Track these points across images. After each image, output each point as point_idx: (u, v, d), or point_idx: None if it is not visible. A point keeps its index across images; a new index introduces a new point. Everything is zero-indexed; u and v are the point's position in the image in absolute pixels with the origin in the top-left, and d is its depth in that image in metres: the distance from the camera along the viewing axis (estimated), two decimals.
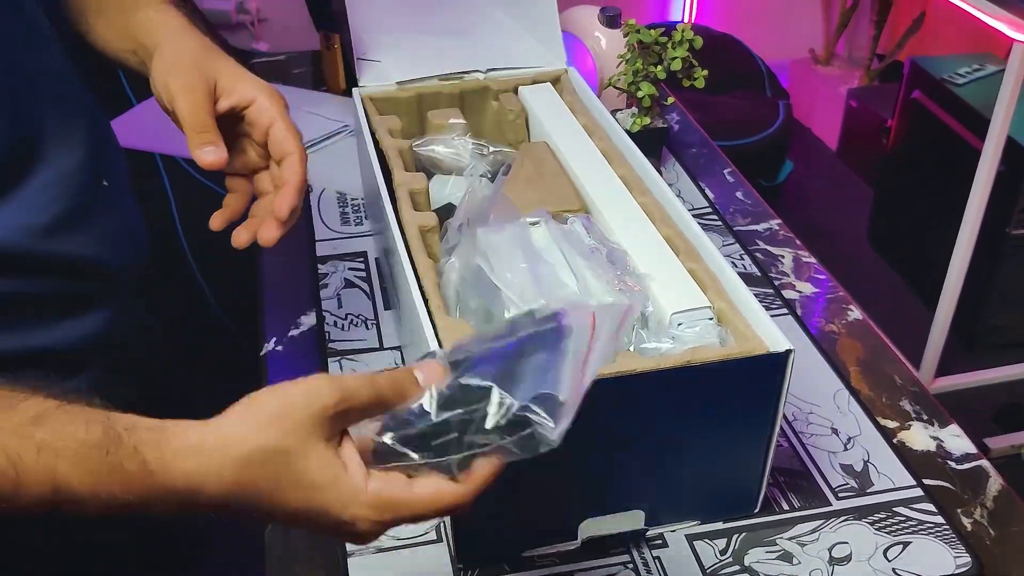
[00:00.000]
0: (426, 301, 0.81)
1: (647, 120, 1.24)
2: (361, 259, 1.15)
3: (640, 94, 1.21)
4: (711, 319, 0.80)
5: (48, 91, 0.75)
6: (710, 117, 2.68)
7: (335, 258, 1.16)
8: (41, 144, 0.74)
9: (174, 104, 0.77)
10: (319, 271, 1.13)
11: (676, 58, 1.21)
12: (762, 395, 0.77)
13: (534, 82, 1.16)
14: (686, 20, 3.24)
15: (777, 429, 0.79)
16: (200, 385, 1.24)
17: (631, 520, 0.82)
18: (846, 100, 2.99)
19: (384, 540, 0.81)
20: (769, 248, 1.19)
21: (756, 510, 0.85)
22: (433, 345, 0.76)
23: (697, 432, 0.79)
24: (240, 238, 0.82)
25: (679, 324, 0.80)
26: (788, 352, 0.75)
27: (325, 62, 1.52)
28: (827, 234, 2.76)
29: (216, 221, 0.82)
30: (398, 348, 1.02)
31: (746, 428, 0.79)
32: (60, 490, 0.55)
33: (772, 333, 0.77)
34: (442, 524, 0.82)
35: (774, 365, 0.76)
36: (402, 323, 0.99)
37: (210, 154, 0.75)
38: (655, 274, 0.84)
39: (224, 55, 0.82)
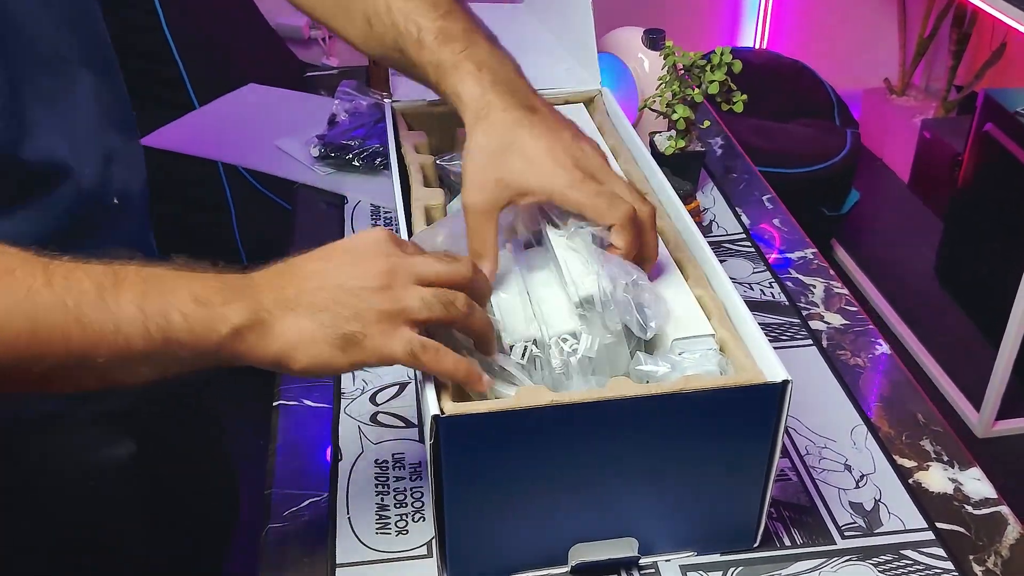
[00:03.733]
0: None
1: (682, 143, 1.22)
2: None
3: (675, 116, 1.20)
4: (712, 348, 0.79)
5: (58, 115, 0.78)
6: (775, 144, 2.64)
7: None
8: (46, 167, 0.76)
9: None
10: None
11: (714, 81, 1.19)
12: (758, 426, 0.76)
13: (567, 102, 1.16)
14: (758, 46, 3.20)
15: (776, 461, 0.77)
16: (230, 390, 1.26)
17: (624, 547, 0.80)
18: (920, 131, 2.92)
19: (374, 553, 0.82)
20: (801, 277, 1.16)
21: (755, 544, 0.83)
22: None
23: (691, 460, 0.77)
24: None
25: (680, 352, 0.79)
26: (785, 383, 0.73)
27: (373, 76, 1.54)
28: (892, 267, 2.70)
29: None
30: None
31: (742, 459, 0.77)
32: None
33: (772, 364, 0.75)
34: (434, 540, 0.82)
35: (770, 395, 0.74)
36: None
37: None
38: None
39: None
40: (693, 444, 0.76)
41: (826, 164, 2.64)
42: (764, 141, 2.59)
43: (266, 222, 2.14)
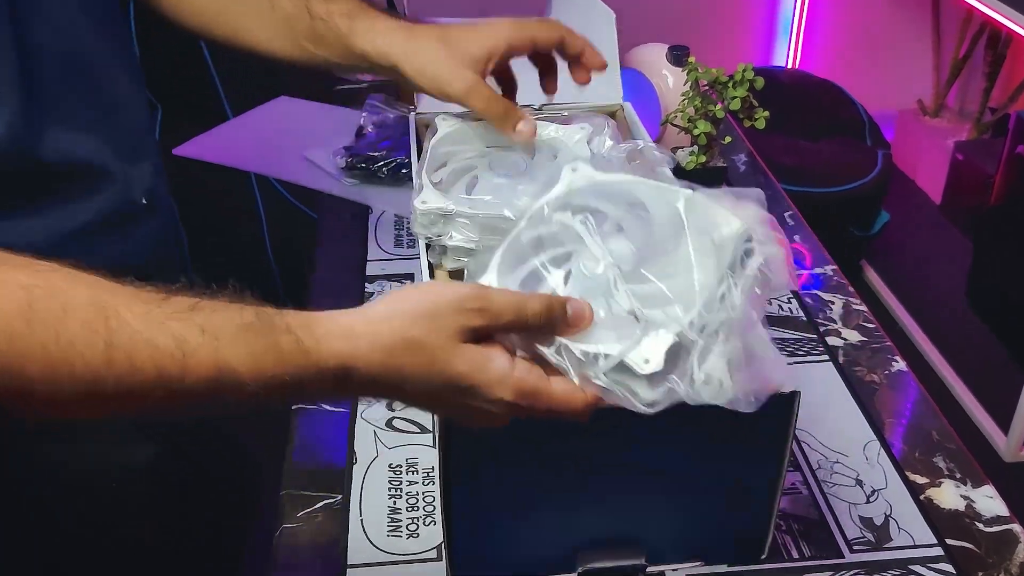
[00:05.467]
0: None
1: (703, 158, 1.23)
2: (408, 280, 1.18)
3: (696, 132, 1.21)
4: None
5: (83, 113, 0.80)
6: (804, 162, 2.63)
7: (383, 278, 1.18)
8: (70, 165, 0.78)
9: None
10: (366, 290, 1.16)
11: (735, 98, 1.20)
12: (768, 437, 0.76)
13: None
14: (790, 66, 3.20)
15: (784, 473, 0.78)
16: None
17: (631, 555, 0.81)
18: (952, 153, 2.90)
19: (385, 555, 0.83)
20: (820, 293, 1.17)
21: (763, 556, 0.83)
22: None
23: (700, 469, 0.78)
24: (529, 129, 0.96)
25: None
26: (794, 394, 0.74)
27: (401, 90, 1.56)
28: (922, 288, 2.67)
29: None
30: None
31: (752, 470, 0.78)
32: (222, 370, 0.57)
33: None
34: (442, 543, 0.83)
35: (780, 406, 0.74)
36: None
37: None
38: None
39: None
40: (702, 453, 0.76)
41: (856, 184, 2.63)
42: (793, 159, 2.59)
43: (295, 231, 2.17)
